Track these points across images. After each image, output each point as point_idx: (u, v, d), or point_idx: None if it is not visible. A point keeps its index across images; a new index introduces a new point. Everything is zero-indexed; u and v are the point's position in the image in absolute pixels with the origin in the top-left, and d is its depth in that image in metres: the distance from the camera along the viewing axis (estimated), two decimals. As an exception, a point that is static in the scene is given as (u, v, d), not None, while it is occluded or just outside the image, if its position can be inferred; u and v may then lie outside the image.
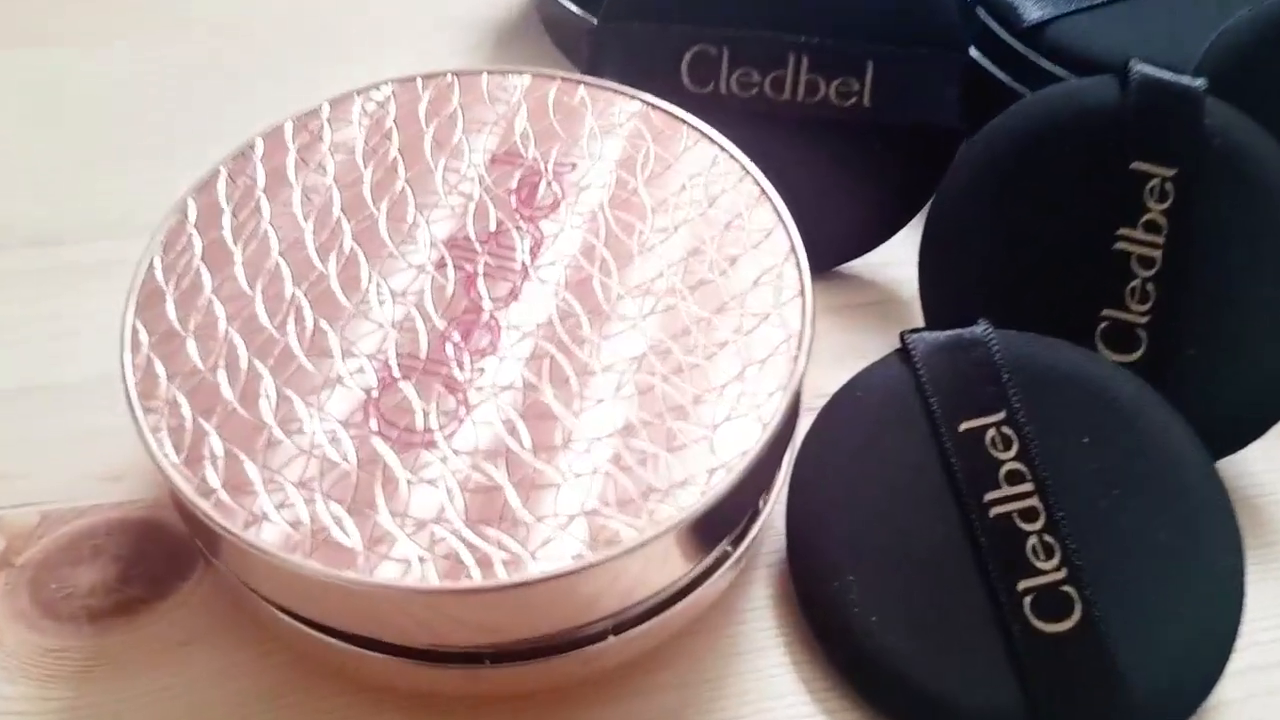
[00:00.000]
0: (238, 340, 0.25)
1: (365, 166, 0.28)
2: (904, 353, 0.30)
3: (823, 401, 0.29)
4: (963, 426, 0.29)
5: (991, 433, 0.29)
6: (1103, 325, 0.32)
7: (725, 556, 0.26)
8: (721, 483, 0.23)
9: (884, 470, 0.28)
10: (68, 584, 0.27)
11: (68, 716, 0.25)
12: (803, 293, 0.26)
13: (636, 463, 0.23)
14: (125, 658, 0.26)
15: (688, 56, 0.33)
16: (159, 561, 0.27)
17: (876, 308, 0.35)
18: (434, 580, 0.22)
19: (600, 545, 0.22)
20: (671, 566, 0.24)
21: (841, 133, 0.33)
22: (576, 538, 0.22)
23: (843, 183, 0.34)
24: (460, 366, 0.25)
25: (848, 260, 0.35)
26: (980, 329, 0.30)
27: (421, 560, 0.22)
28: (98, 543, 0.27)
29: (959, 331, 0.30)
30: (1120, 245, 0.31)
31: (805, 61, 0.33)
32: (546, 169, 0.28)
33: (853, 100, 0.33)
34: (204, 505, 0.23)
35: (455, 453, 0.23)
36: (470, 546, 0.22)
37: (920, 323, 0.33)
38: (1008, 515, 0.28)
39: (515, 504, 0.23)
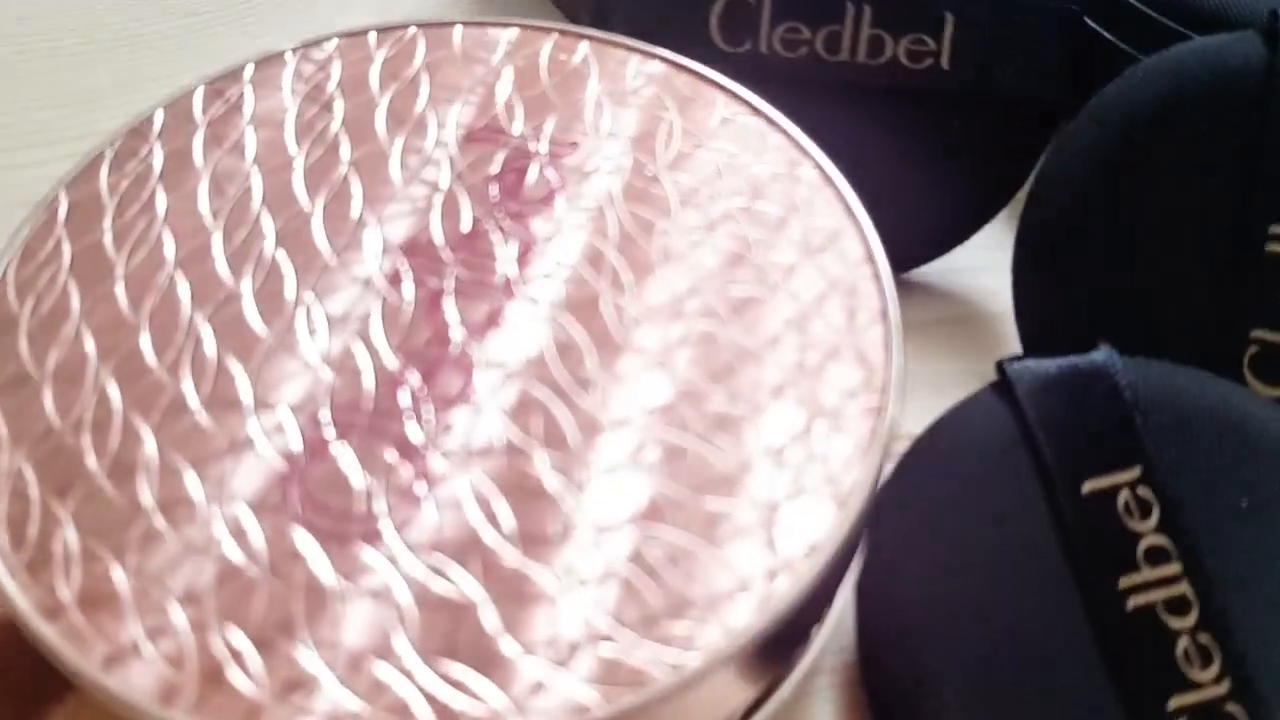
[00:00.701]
0: (112, 387, 0.18)
1: (298, 147, 0.21)
2: (1003, 387, 0.23)
3: (895, 447, 0.22)
4: (1086, 487, 0.22)
5: (1124, 495, 0.22)
6: (1252, 350, 0.25)
7: (782, 678, 0.19)
8: (785, 592, 0.16)
9: (984, 547, 0.22)
10: (-104, 709, 0.20)
11: None
12: (885, 315, 0.19)
13: (665, 562, 0.17)
14: (-28, 810, 0.19)
15: (719, 6, 0.26)
16: (26, 673, 0.20)
17: (957, 325, 0.28)
18: (374, 748, 0.15)
19: (616, 689, 0.15)
20: (715, 708, 0.17)
21: (912, 104, 0.26)
22: (581, 678, 0.15)
23: (914, 167, 0.27)
24: (419, 422, 0.18)
25: (919, 265, 0.28)
26: (1101, 356, 0.23)
27: (356, 717, 0.15)
28: (-60, 651, 0.21)
29: (1074, 360, 0.23)
30: (1273, 247, 0.25)
31: (868, 14, 0.26)
32: (539, 150, 0.21)
33: (927, 63, 0.26)
34: (48, 633, 0.16)
35: (409, 549, 0.17)
36: (428, 695, 0.15)
37: (1014, 343, 0.26)
38: (1149, 607, 0.21)
39: (493, 627, 0.16)
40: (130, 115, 0.22)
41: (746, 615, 0.16)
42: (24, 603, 0.16)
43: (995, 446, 0.23)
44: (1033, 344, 0.26)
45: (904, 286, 0.28)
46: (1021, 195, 0.26)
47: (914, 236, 0.27)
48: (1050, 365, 0.23)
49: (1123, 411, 0.22)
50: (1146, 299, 0.25)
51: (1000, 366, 0.23)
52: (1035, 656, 0.21)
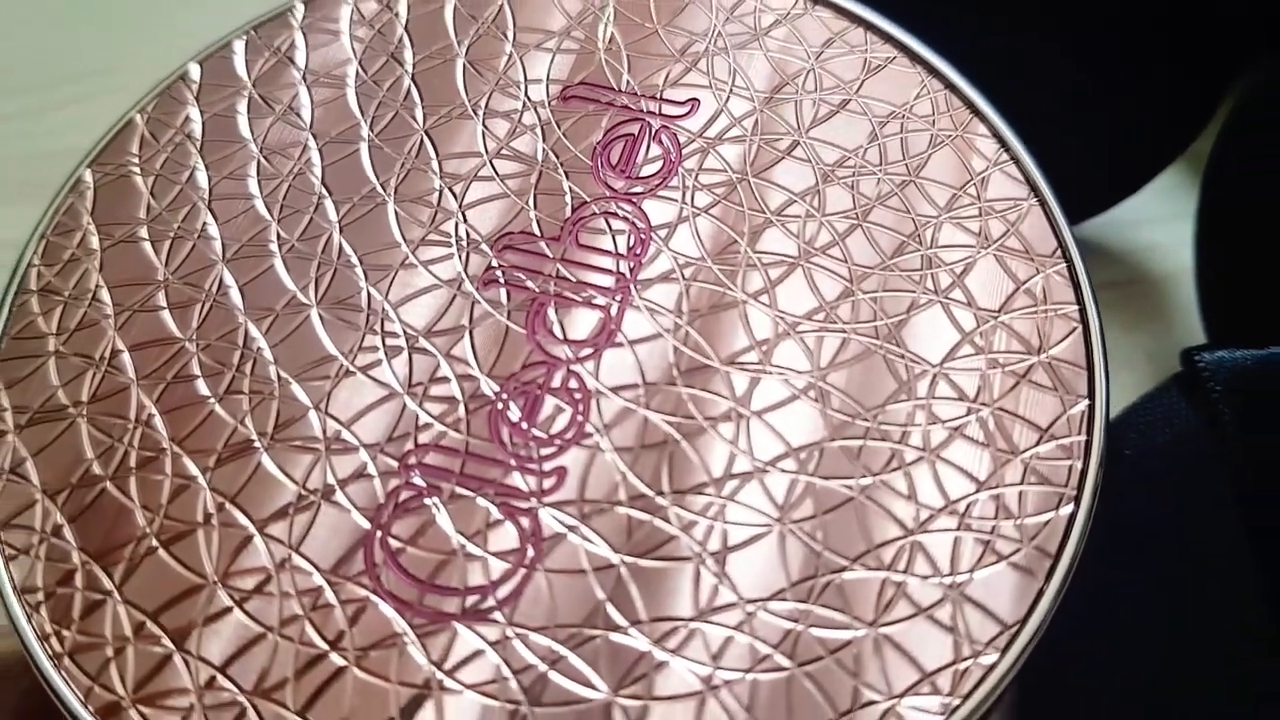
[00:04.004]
0: (158, 422, 0.15)
1: (362, 110, 0.18)
2: (1192, 384, 0.19)
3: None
4: (1295, 508, 0.18)
5: (1339, 518, 0.18)
6: None
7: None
8: (980, 690, 0.13)
9: (1169, 578, 0.19)
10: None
11: None
12: (1086, 325, 0.16)
13: (831, 652, 0.14)
14: None
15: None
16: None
17: (1124, 290, 0.24)
18: None
19: (775, 814, 0.13)
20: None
21: (1074, 31, 0.22)
22: (733, 802, 0.13)
23: (1080, 103, 0.23)
24: (523, 468, 0.15)
25: (1087, 218, 0.24)
26: (1311, 345, 0.19)
27: (468, 847, 0.13)
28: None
29: (1274, 351, 0.19)
30: None
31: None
32: (651, 110, 0.18)
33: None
34: (100, 734, 0.13)
35: (518, 632, 0.14)
36: (551, 824, 0.13)
37: (1192, 313, 0.22)
38: (1366, 651, 0.18)
39: (624, 731, 0.13)
40: (160, 72, 0.18)
41: (926, 717, 0.13)
42: (72, 699, 0.14)
43: (1183, 457, 0.19)
44: (1218, 317, 0.22)
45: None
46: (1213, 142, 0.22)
47: (1083, 184, 0.23)
48: (1247, 358, 0.20)
49: (1338, 415, 0.19)
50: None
51: (1188, 358, 0.20)
52: (1217, 673, 0.18)
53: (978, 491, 0.15)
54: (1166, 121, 0.23)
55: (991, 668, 0.14)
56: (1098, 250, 0.24)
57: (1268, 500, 0.18)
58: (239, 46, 0.18)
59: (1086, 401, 0.15)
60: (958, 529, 0.14)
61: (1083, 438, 0.15)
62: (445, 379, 0.15)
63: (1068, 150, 0.23)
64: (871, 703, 0.13)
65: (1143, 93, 0.23)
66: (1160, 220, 0.24)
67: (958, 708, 0.13)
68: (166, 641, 0.14)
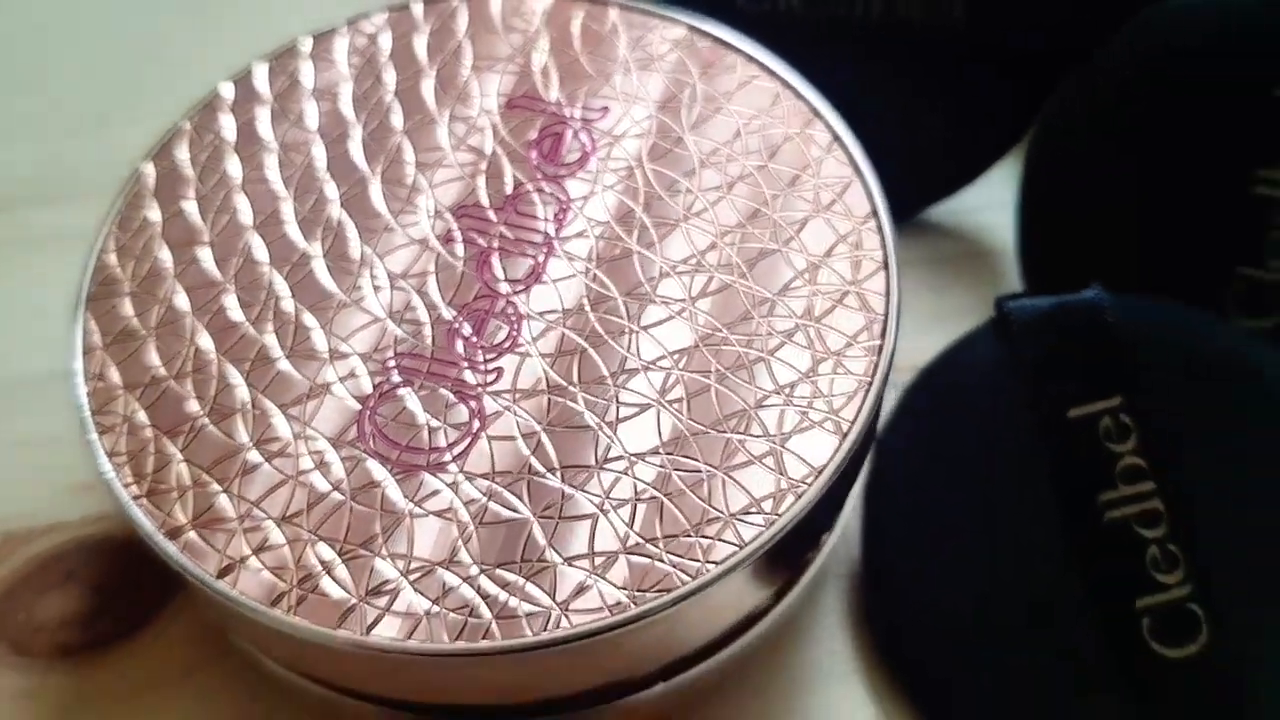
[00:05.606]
0: (206, 340, 0.21)
1: (356, 117, 0.23)
2: (1001, 324, 0.25)
3: (902, 377, 0.25)
4: (1072, 413, 0.24)
5: (1105, 421, 0.24)
6: (1237, 286, 0.27)
7: (792, 583, 0.22)
8: (792, 510, 0.19)
9: (979, 468, 0.24)
10: (37, 616, 0.23)
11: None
12: (886, 265, 0.22)
13: (689, 486, 0.19)
14: (104, 698, 0.23)
15: (738, -33, 0.28)
16: (140, 587, 0.24)
17: (965, 262, 0.30)
18: (445, 641, 0.18)
19: (645, 592, 0.18)
20: (731, 609, 0.20)
21: (925, 57, 0.28)
22: (616, 584, 0.18)
23: (927, 114, 0.28)
24: (473, 367, 0.20)
25: (931, 205, 0.30)
26: (1092, 294, 0.25)
27: (429, 614, 0.18)
28: (70, 567, 0.24)
29: (1065, 298, 0.25)
30: (1259, 190, 0.26)
31: (881, -30, 0.28)
32: (573, 115, 0.23)
33: (943, 17, 0.27)
34: (172, 549, 0.19)
35: (468, 477, 0.19)
36: (488, 597, 0.18)
37: (1017, 278, 0.28)
38: (1124, 520, 0.23)
39: (541, 540, 0.19)
40: (196, 89, 0.24)
41: (757, 530, 0.19)
42: (149, 525, 0.19)
43: (991, 379, 0.25)
44: (1033, 279, 0.28)
45: (916, 224, 0.30)
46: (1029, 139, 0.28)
47: (926, 179, 0.29)
48: (1044, 303, 0.25)
49: (1108, 345, 0.24)
50: (1142, 239, 0.27)
51: (998, 304, 0.25)
52: (1020, 562, 0.23)
53: (800, 380, 0.20)
54: (995, 125, 0.29)
55: (801, 495, 0.19)
56: (943, 228, 0.30)
57: (1052, 407, 0.24)
58: (260, 71, 0.24)
59: (883, 317, 0.21)
60: (784, 405, 0.20)
61: (878, 342, 0.21)
62: (416, 308, 0.21)
63: (917, 150, 0.29)
64: (716, 519, 0.19)
65: (976, 103, 0.29)
66: (995, 205, 0.29)
67: (775, 520, 0.19)
68: (215, 487, 0.19)
